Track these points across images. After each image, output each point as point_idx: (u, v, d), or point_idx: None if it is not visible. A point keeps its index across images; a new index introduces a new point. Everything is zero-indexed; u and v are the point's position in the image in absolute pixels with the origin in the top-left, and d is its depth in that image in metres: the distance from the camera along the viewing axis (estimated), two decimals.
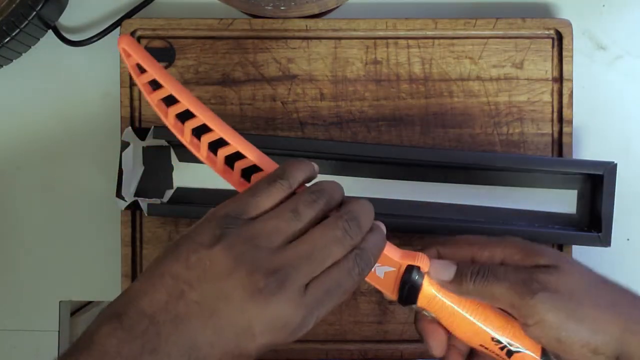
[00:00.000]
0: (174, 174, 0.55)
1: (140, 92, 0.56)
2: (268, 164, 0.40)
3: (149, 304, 0.33)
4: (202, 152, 0.41)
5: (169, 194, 0.55)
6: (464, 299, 0.41)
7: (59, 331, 0.58)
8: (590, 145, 0.58)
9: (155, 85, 0.41)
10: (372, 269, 0.40)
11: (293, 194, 0.38)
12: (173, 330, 0.33)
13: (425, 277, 0.41)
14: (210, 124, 0.40)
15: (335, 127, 0.56)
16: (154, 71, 0.40)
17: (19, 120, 0.59)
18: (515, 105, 0.56)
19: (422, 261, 0.41)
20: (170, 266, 0.34)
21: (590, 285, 0.38)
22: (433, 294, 0.41)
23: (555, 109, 0.56)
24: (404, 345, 0.56)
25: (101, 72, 0.58)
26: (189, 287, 0.34)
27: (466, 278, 0.40)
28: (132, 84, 0.56)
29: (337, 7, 0.55)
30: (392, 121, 0.56)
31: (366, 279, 0.40)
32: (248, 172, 0.41)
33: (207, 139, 0.41)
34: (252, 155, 0.40)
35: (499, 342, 0.40)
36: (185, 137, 0.41)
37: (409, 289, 0.41)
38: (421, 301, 0.41)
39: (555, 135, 0.56)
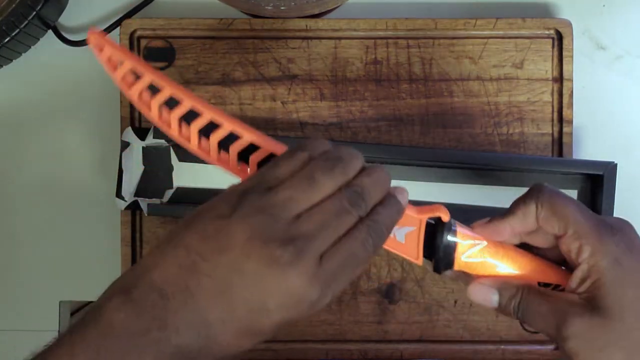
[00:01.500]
0: (174, 174, 0.55)
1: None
2: (266, 141, 0.37)
3: (159, 277, 0.32)
4: (192, 141, 0.38)
5: (169, 194, 0.55)
6: (501, 250, 0.39)
7: (59, 331, 0.58)
8: (590, 145, 0.58)
9: (134, 77, 0.38)
10: (392, 235, 0.38)
11: None
12: (182, 305, 0.32)
13: (458, 231, 0.39)
14: (199, 109, 0.37)
15: (335, 127, 0.56)
16: (131, 62, 0.38)
17: (19, 120, 0.59)
18: (515, 105, 0.56)
19: (440, 211, 0.38)
20: (183, 237, 0.33)
21: (634, 334, 0.35)
22: (469, 247, 0.39)
23: (555, 109, 0.56)
24: (404, 345, 0.56)
25: (101, 72, 0.58)
26: (201, 259, 0.32)
27: (509, 307, 0.38)
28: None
29: (337, 7, 0.55)
30: (392, 121, 0.56)
31: (388, 247, 0.38)
32: (246, 156, 0.38)
33: (197, 125, 0.38)
34: (248, 134, 0.37)
35: (546, 285, 0.39)
36: (173, 128, 0.38)
37: (440, 252, 0.38)
38: (457, 263, 0.39)
39: (555, 135, 0.56)
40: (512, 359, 0.56)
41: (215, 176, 0.54)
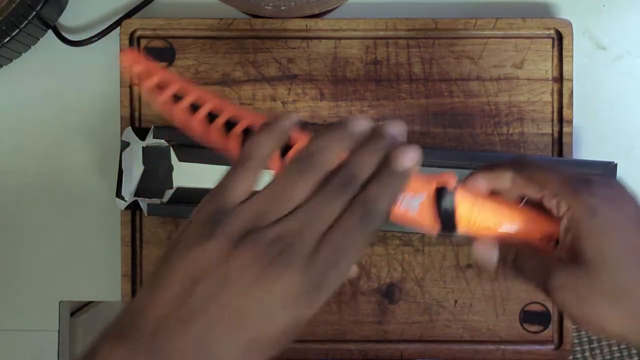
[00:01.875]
0: (174, 174, 0.55)
1: (140, 92, 0.56)
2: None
3: (152, 318, 0.31)
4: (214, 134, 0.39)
5: (169, 194, 0.55)
6: (504, 208, 0.40)
7: (59, 331, 0.58)
8: (590, 145, 0.58)
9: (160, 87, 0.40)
10: (404, 207, 0.38)
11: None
12: (182, 343, 0.31)
13: (458, 193, 0.39)
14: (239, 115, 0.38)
15: None
16: (161, 76, 0.39)
17: (19, 120, 0.59)
18: (516, 105, 0.56)
19: (448, 179, 0.38)
20: (168, 276, 0.32)
21: (615, 280, 0.36)
22: (470, 208, 0.39)
23: (555, 109, 0.56)
24: (404, 345, 0.56)
25: (101, 72, 0.58)
26: (187, 292, 0.31)
27: (504, 266, 0.39)
28: (132, 84, 0.56)
29: (337, 7, 0.55)
30: None
31: (401, 222, 0.38)
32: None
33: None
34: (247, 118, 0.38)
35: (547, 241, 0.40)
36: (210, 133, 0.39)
37: (447, 215, 0.39)
38: (460, 222, 0.39)
39: (555, 135, 0.56)
40: (512, 359, 0.56)
41: (215, 176, 0.54)
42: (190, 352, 0.31)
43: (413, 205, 0.38)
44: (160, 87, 0.40)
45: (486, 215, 0.40)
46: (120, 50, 0.40)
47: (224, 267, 0.31)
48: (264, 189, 0.33)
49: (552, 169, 0.39)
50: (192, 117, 0.39)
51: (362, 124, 0.35)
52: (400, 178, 0.34)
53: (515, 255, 0.39)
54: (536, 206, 0.41)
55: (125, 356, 0.30)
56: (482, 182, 0.41)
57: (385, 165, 0.33)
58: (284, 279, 0.31)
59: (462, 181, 0.41)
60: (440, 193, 0.38)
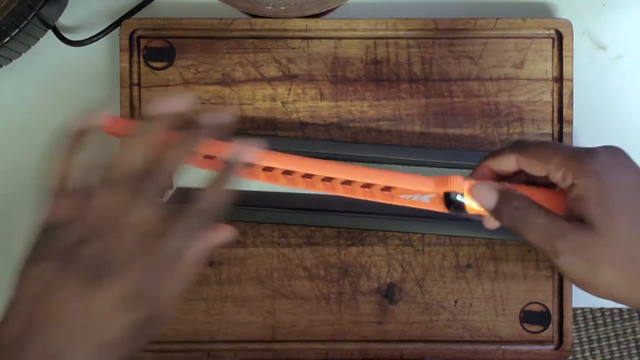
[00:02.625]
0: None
1: (140, 92, 0.56)
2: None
3: (7, 333, 0.34)
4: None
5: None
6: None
7: None
8: (590, 145, 0.58)
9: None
10: (417, 200, 0.43)
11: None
12: (33, 356, 0.33)
13: (466, 196, 0.42)
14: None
15: (335, 127, 0.56)
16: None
17: (19, 120, 0.59)
18: (516, 105, 0.56)
19: (456, 185, 0.41)
20: (15, 289, 0.36)
21: (621, 245, 0.37)
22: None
23: (555, 109, 0.56)
24: (404, 345, 0.56)
25: (101, 72, 0.58)
26: (32, 307, 0.35)
27: (506, 213, 0.39)
28: (131, 84, 0.56)
29: (337, 7, 0.55)
30: (392, 121, 0.56)
31: (415, 205, 0.43)
32: None
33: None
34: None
35: None
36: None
37: (455, 207, 0.42)
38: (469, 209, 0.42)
39: (556, 135, 0.56)
40: (512, 359, 0.56)
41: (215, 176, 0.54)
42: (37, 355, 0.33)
43: (424, 199, 0.42)
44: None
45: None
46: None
47: (54, 291, 0.34)
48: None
49: (553, 145, 0.41)
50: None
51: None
52: (172, 170, 0.38)
53: (520, 205, 0.39)
54: (541, 185, 0.41)
55: None
56: (488, 168, 0.42)
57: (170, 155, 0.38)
58: (104, 289, 0.34)
59: (470, 174, 0.43)
60: (449, 196, 0.41)
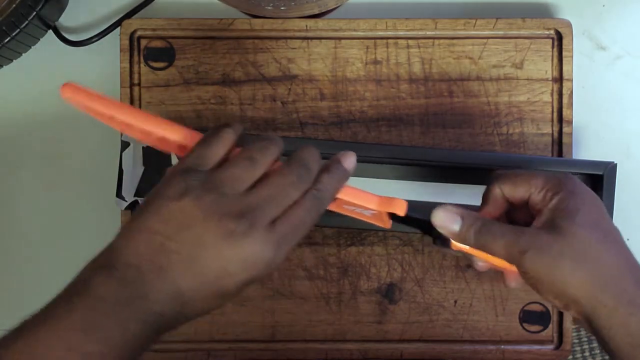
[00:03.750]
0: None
1: (140, 92, 0.56)
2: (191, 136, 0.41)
3: (134, 256, 0.36)
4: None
5: None
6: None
7: None
8: (590, 145, 0.58)
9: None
10: (359, 213, 0.45)
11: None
12: (157, 279, 0.36)
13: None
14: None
15: (335, 127, 0.56)
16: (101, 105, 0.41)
17: (19, 120, 0.59)
18: (515, 105, 0.56)
19: (399, 208, 0.42)
20: (145, 222, 0.37)
21: (583, 246, 0.41)
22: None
23: (555, 109, 0.56)
24: (404, 345, 0.56)
25: (101, 72, 0.58)
26: (166, 239, 0.36)
27: (469, 233, 0.43)
28: (132, 84, 0.56)
29: (337, 7, 0.55)
30: (392, 121, 0.56)
31: (357, 216, 0.45)
32: None
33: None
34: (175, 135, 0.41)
35: None
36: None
37: (441, 242, 0.45)
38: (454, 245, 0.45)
39: (555, 135, 0.56)
40: (512, 359, 0.56)
41: None
42: (165, 293, 0.36)
43: (366, 213, 0.45)
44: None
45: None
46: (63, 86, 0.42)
47: (198, 229, 0.36)
48: (235, 159, 0.39)
49: (531, 171, 0.45)
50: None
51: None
52: (344, 172, 0.41)
53: (481, 225, 0.43)
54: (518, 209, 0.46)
55: (115, 288, 0.35)
56: (489, 213, 0.46)
57: (332, 162, 0.41)
58: (246, 249, 0.36)
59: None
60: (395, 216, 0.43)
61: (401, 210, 0.42)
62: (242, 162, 0.38)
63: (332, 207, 0.44)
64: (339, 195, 0.42)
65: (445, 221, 0.44)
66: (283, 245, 0.38)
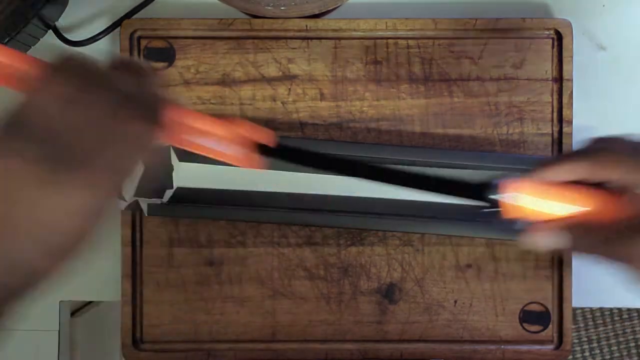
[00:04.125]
0: (174, 174, 0.55)
1: None
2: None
3: None
4: None
5: (169, 194, 0.55)
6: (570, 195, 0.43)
7: (59, 331, 0.58)
8: None
9: None
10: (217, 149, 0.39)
11: None
12: None
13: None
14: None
15: (335, 127, 0.56)
16: None
17: None
18: (515, 105, 0.56)
19: (264, 136, 0.38)
20: None
21: None
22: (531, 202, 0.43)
23: (555, 109, 0.56)
24: (404, 345, 0.56)
25: None
26: None
27: (581, 244, 0.42)
28: None
29: (337, 7, 0.55)
30: (392, 121, 0.56)
31: (217, 157, 0.39)
32: None
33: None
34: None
35: None
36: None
37: (491, 204, 0.43)
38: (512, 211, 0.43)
39: (555, 135, 0.56)
40: (512, 359, 0.56)
41: (215, 176, 0.54)
42: None
43: (227, 151, 0.38)
44: None
45: (552, 206, 0.42)
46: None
47: (8, 184, 0.32)
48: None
49: (617, 152, 0.42)
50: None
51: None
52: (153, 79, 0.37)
53: (582, 232, 0.41)
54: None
55: None
56: (555, 175, 0.43)
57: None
58: (59, 193, 0.32)
59: (529, 174, 0.42)
60: (263, 148, 0.38)
61: (268, 140, 0.37)
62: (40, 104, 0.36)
63: (184, 145, 0.39)
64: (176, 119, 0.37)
65: (548, 241, 0.42)
66: (112, 175, 0.35)
